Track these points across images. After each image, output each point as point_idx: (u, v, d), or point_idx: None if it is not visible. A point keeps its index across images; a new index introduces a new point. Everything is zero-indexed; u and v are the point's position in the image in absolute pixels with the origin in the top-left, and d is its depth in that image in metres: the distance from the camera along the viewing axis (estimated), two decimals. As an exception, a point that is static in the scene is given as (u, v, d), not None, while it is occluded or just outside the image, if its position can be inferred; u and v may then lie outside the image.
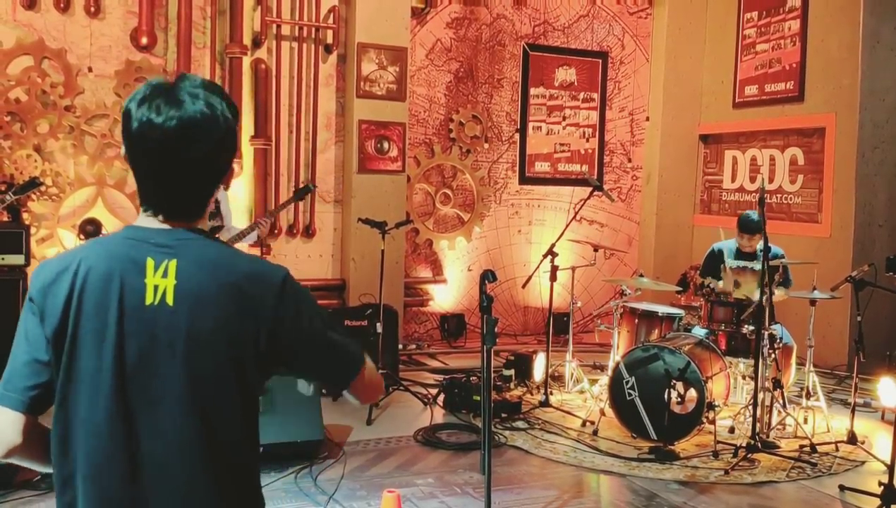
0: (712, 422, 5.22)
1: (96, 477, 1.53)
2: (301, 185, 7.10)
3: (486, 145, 8.65)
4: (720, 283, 6.17)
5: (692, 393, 5.19)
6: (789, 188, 8.30)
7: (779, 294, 5.81)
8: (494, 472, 4.19)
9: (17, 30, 6.54)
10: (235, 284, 1.55)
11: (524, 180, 8.85)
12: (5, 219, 5.18)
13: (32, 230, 6.41)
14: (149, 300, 1.52)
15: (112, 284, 1.52)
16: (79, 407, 1.52)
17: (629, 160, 9.38)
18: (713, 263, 6.31)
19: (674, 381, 5.19)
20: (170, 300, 1.52)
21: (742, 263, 6.14)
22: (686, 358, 5.21)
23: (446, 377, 6.63)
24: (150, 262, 1.54)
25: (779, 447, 5.30)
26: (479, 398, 5.88)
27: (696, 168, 9.38)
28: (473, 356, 7.81)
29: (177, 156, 1.52)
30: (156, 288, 1.53)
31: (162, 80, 1.58)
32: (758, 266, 5.94)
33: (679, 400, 5.19)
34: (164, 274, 1.53)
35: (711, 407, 5.18)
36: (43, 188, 5.25)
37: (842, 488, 4.71)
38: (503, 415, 5.81)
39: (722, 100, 9.02)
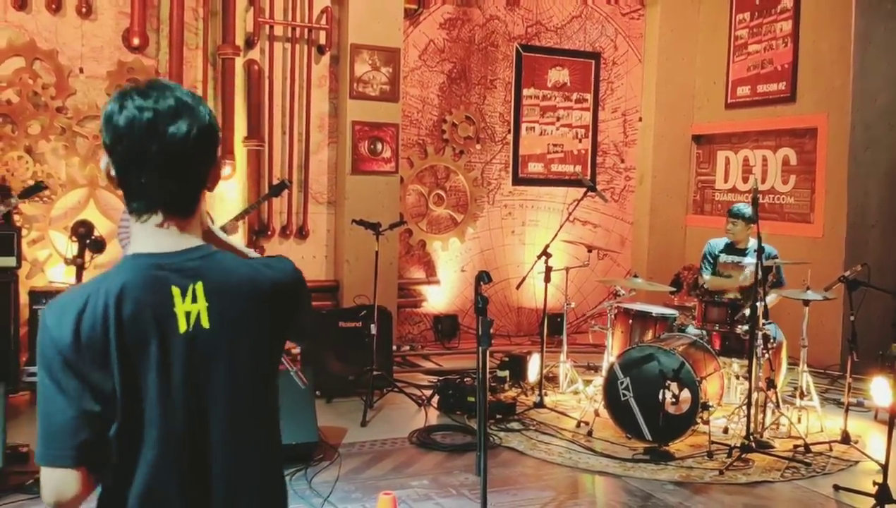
0: (706, 423, 5.23)
1: None
2: (276, 182, 7.05)
3: (479, 146, 8.64)
4: (707, 277, 6.21)
5: (686, 393, 5.19)
6: (781, 188, 8.32)
7: (771, 298, 5.83)
8: (489, 474, 4.18)
9: (7, 31, 6.50)
10: (262, 298, 1.59)
11: (517, 181, 8.85)
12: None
13: (24, 232, 6.37)
14: (182, 328, 1.51)
15: (146, 320, 1.49)
16: (134, 446, 1.51)
17: (622, 161, 9.40)
18: (710, 261, 6.35)
19: (668, 382, 5.20)
20: (205, 323, 1.53)
21: (734, 258, 6.17)
22: (680, 358, 5.21)
23: (440, 378, 6.64)
24: (175, 291, 1.52)
25: (773, 447, 5.31)
26: (473, 399, 5.88)
27: (689, 168, 9.40)
28: (467, 357, 7.81)
29: (169, 133, 1.50)
30: (188, 314, 1.52)
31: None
32: (746, 260, 5.98)
33: (673, 400, 5.20)
34: (194, 299, 1.52)
35: (706, 407, 5.19)
36: (48, 191, 5.22)
37: (836, 488, 4.72)
38: (498, 416, 5.81)
39: (714, 101, 9.04)
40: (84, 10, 6.69)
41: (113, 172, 1.55)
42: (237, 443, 1.57)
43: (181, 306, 1.52)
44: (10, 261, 5.97)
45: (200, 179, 1.58)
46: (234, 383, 1.56)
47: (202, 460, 1.54)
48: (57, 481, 1.47)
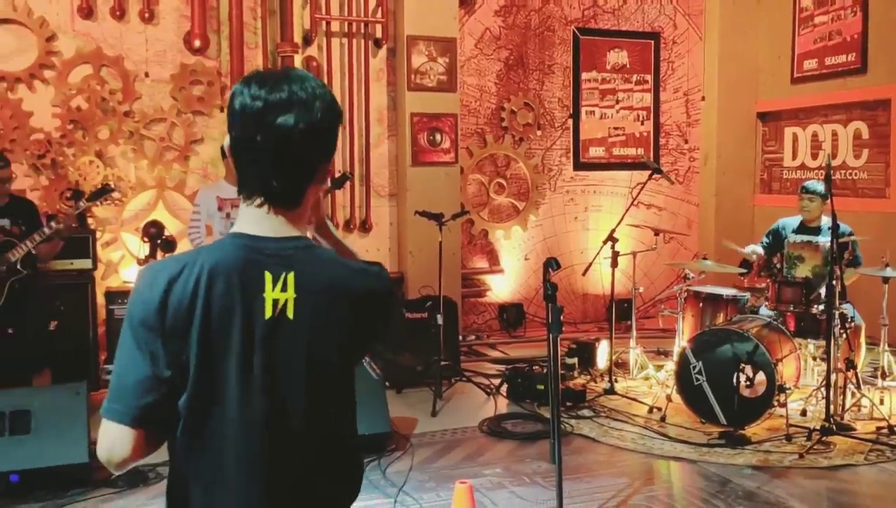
0: (783, 405, 5.11)
1: (221, 491, 1.56)
2: (338, 175, 7.10)
3: (539, 132, 8.57)
4: (758, 249, 6.10)
5: (761, 376, 5.07)
6: (854, 163, 8.06)
7: (848, 275, 5.65)
8: (562, 461, 4.15)
9: (76, 40, 6.68)
10: (350, 301, 1.60)
11: (579, 166, 8.75)
12: (75, 225, 5.33)
13: (98, 234, 6.56)
14: (268, 314, 1.53)
15: (234, 299, 1.51)
16: (205, 422, 1.53)
17: (686, 141, 9.22)
18: (776, 239, 6.21)
19: (742, 365, 5.09)
20: (290, 313, 1.54)
21: (806, 238, 6.00)
22: (754, 340, 5.10)
23: (508, 367, 6.62)
24: (268, 276, 1.54)
25: (855, 429, 5.17)
26: (542, 387, 5.85)
27: (755, 146, 9.17)
28: (534, 345, 7.78)
29: (275, 125, 1.52)
30: (275, 302, 1.53)
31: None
32: (821, 239, 5.81)
33: (748, 383, 5.09)
34: (284, 288, 1.54)
35: (782, 389, 5.07)
36: (116, 194, 5.39)
37: (924, 470, 4.57)
38: (568, 404, 5.77)
39: (780, 76, 8.79)
40: (147, 15, 6.83)
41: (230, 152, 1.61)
42: (311, 432, 1.58)
43: (270, 292, 1.53)
44: (86, 263, 6.16)
45: (307, 173, 1.59)
46: (310, 375, 1.56)
47: (277, 444, 1.56)
48: (112, 437, 1.50)
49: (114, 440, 1.51)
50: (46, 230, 5.05)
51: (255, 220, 1.58)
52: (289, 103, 1.53)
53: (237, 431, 1.53)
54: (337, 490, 1.66)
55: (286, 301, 1.53)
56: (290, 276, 1.54)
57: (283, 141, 1.53)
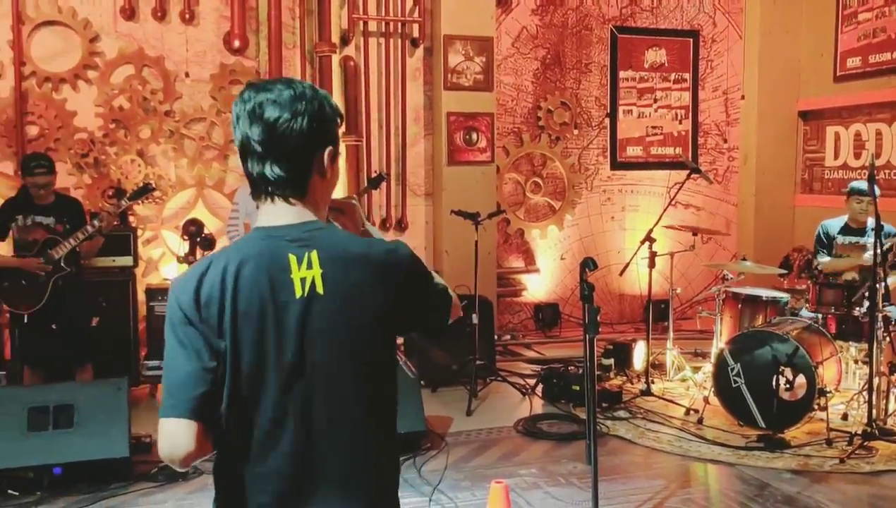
0: (824, 409, 5.03)
1: (267, 475, 1.60)
2: (374, 174, 7.15)
3: (576, 131, 8.53)
4: (824, 260, 5.94)
5: (801, 378, 5.00)
6: (898, 163, 7.90)
7: (892, 279, 5.53)
8: (598, 462, 4.13)
9: (118, 41, 6.79)
10: (373, 269, 1.64)
11: (616, 165, 8.69)
12: (116, 223, 5.43)
13: (139, 232, 6.66)
14: (298, 293, 1.59)
15: (262, 285, 1.58)
16: (247, 408, 1.58)
17: (725, 140, 9.11)
18: (824, 243, 6.10)
19: (782, 367, 5.02)
20: (320, 289, 1.60)
21: (853, 239, 5.90)
22: (794, 342, 5.03)
23: (544, 367, 6.60)
24: (292, 258, 1.60)
25: (898, 434, 5.07)
26: (578, 387, 5.82)
27: (796, 146, 9.02)
28: (569, 345, 7.74)
29: (265, 119, 1.61)
30: (303, 280, 1.59)
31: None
32: (868, 240, 5.70)
33: (788, 386, 5.02)
34: (309, 266, 1.60)
35: (823, 393, 4.99)
36: (157, 193, 5.49)
37: (970, 477, 4.47)
38: (604, 405, 5.74)
39: (822, 75, 8.64)
40: (187, 16, 6.92)
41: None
42: (354, 411, 1.63)
43: (297, 272, 1.60)
44: (127, 261, 6.27)
45: (302, 160, 1.65)
46: (348, 347, 1.61)
47: (314, 420, 1.60)
48: (171, 432, 1.54)
49: (174, 436, 1.54)
50: (89, 228, 5.14)
51: (273, 215, 1.66)
52: (275, 99, 1.62)
53: (280, 414, 1.58)
54: (377, 464, 1.71)
55: (314, 277, 1.60)
56: (314, 254, 1.61)
57: (273, 132, 1.60)
